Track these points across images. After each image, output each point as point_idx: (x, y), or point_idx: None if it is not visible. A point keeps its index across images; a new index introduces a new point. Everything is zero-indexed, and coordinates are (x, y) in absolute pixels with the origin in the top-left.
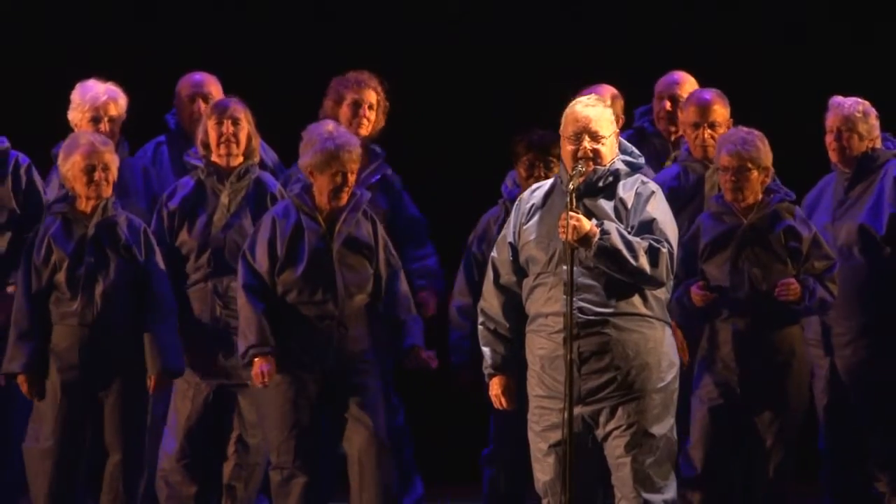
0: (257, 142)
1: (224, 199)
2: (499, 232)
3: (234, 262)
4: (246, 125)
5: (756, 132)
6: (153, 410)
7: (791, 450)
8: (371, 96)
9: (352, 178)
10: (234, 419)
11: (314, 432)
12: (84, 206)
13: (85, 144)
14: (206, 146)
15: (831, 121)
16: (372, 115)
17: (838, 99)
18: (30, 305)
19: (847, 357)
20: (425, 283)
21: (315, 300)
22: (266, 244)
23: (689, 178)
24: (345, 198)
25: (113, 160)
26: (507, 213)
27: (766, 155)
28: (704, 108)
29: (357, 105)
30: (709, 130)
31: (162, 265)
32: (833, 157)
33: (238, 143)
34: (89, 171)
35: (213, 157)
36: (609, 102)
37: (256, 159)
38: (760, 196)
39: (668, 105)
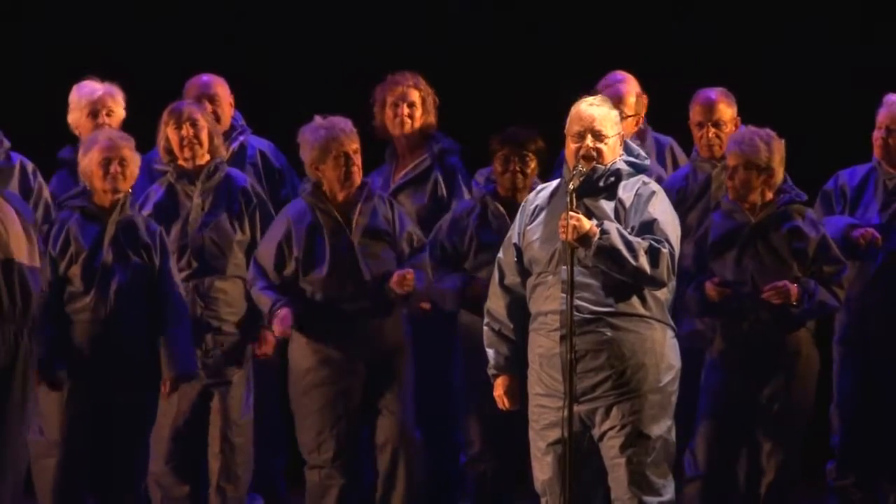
0: (220, 139)
1: (197, 199)
2: (476, 225)
3: (214, 260)
4: (205, 124)
5: (764, 132)
6: None
7: (794, 451)
8: (411, 94)
9: (356, 158)
10: (218, 418)
11: (354, 433)
12: (102, 200)
13: (104, 139)
14: (169, 152)
15: (882, 117)
16: (416, 111)
17: (893, 97)
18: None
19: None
20: None
21: (345, 296)
22: (275, 245)
23: (697, 178)
24: (356, 178)
25: (132, 157)
26: (484, 207)
27: (770, 155)
28: (709, 107)
29: (395, 105)
30: (713, 129)
31: (175, 270)
32: (878, 153)
33: (201, 144)
34: (105, 164)
35: (180, 161)
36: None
37: (223, 155)
38: (770, 196)
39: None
